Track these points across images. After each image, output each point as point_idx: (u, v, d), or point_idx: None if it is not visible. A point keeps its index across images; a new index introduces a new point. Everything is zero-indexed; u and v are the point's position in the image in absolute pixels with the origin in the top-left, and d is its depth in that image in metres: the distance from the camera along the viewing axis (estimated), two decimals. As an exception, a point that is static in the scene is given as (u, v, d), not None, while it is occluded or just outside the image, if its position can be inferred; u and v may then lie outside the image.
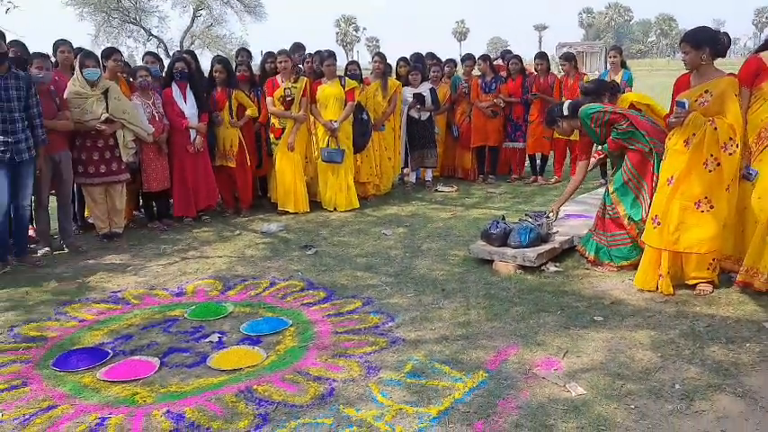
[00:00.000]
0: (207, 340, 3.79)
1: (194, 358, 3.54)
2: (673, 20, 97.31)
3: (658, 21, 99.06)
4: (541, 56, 8.55)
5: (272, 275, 4.95)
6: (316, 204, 7.18)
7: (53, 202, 5.85)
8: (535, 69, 8.40)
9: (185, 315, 4.18)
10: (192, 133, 6.43)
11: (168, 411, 2.96)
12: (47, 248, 5.67)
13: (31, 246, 5.67)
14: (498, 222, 5.13)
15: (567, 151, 8.40)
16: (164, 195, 6.59)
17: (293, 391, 3.14)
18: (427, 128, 8.12)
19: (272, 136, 7.02)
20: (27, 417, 2.96)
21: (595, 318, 3.91)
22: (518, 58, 8.59)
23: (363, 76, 7.81)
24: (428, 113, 8.07)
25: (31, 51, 5.75)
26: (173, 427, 2.83)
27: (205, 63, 7.92)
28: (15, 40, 5.82)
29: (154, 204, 6.62)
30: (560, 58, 8.44)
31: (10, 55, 5.18)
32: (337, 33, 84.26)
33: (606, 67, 9.70)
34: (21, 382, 3.30)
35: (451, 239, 5.83)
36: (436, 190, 8.11)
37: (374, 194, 7.76)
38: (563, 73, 8.22)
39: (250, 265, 5.23)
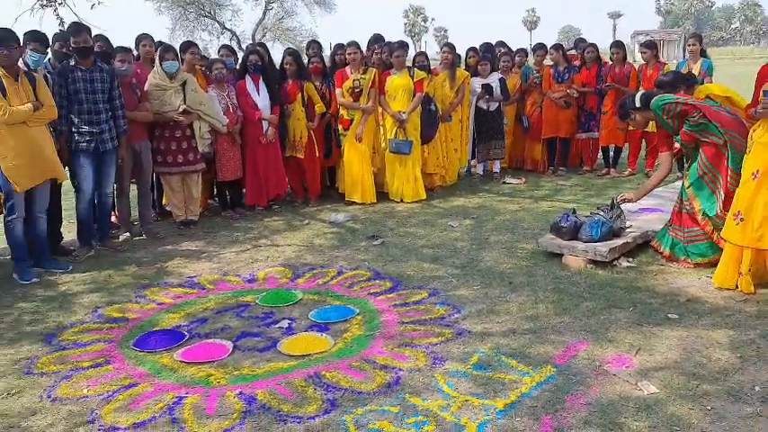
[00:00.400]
0: (277, 326, 3.89)
1: (265, 343, 3.65)
2: (758, 5, 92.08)
3: (742, 7, 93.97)
4: (617, 44, 8.30)
5: (339, 264, 5.03)
6: (383, 195, 7.23)
7: (133, 190, 6.12)
8: (611, 59, 8.16)
9: (257, 301, 4.30)
10: (265, 125, 6.58)
11: (241, 393, 3.07)
12: (127, 234, 5.94)
13: (113, 231, 5.94)
14: (568, 215, 5.03)
15: (643, 143, 8.13)
16: (236, 185, 6.78)
17: (360, 378, 3.19)
18: (495, 119, 8.03)
19: (340, 127, 7.10)
20: (110, 393, 3.12)
21: (670, 315, 3.79)
22: (594, 46, 8.33)
23: (431, 67, 7.78)
24: (497, 104, 7.98)
25: (114, 45, 6.02)
26: (245, 408, 2.93)
27: (276, 55, 8.08)
28: (100, 35, 6.12)
29: (227, 193, 6.83)
30: (641, 45, 8.15)
31: (95, 49, 5.44)
32: (405, 24, 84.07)
33: (684, 56, 9.30)
34: (104, 360, 3.49)
35: (519, 232, 5.75)
36: (504, 182, 8.02)
37: (440, 186, 7.73)
38: (642, 62, 7.95)
39: (318, 254, 5.33)
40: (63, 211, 5.67)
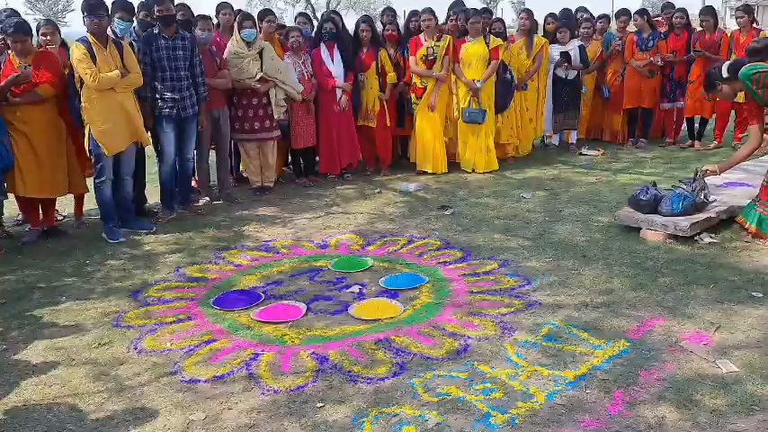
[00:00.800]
0: (348, 290, 3.97)
1: (337, 306, 3.74)
2: None
3: None
4: (708, 11, 7.86)
5: (410, 233, 5.06)
6: (454, 165, 7.18)
7: (212, 156, 6.32)
8: (701, 26, 7.73)
9: (329, 266, 4.39)
10: (338, 93, 6.62)
11: (314, 353, 3.17)
12: (207, 198, 6.16)
13: (193, 195, 6.16)
14: (648, 188, 4.86)
15: (732, 114, 7.71)
16: (310, 153, 6.89)
17: (429, 344, 3.23)
18: (574, 88, 7.79)
19: (412, 96, 7.06)
20: (192, 347, 3.29)
21: (754, 293, 3.63)
22: (684, 11, 7.91)
23: (508, 34, 7.59)
24: (575, 73, 7.73)
25: (195, 13, 6.16)
26: (318, 367, 3.03)
27: (349, 24, 8.07)
28: (182, 3, 6.25)
29: (301, 161, 6.95)
30: (737, 10, 7.69)
31: (177, 17, 5.60)
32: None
33: (782, 22, 8.69)
34: (186, 317, 3.67)
35: (595, 205, 5.61)
36: (581, 153, 7.80)
37: (514, 156, 7.61)
38: (734, 28, 7.49)
39: (389, 223, 5.37)
40: (147, 175, 5.93)
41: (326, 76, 6.56)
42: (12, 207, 5.51)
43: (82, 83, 4.79)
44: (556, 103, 7.81)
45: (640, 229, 4.70)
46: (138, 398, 2.83)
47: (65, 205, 5.77)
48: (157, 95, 5.35)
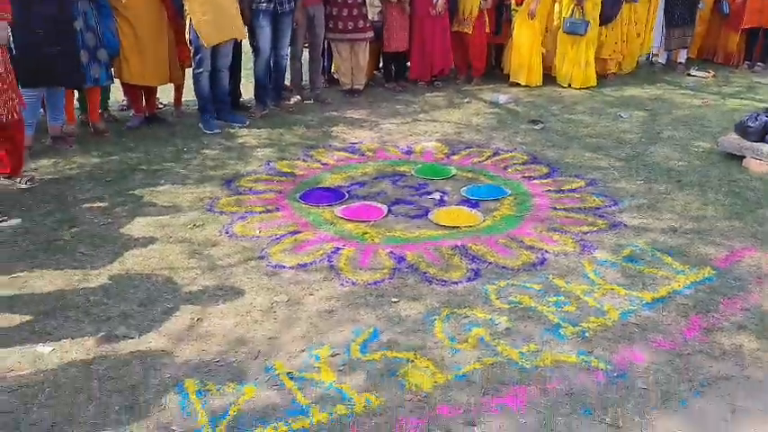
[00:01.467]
0: (430, 197, 4.02)
1: (417, 211, 3.79)
2: None
3: None
4: None
5: (496, 145, 4.99)
6: (549, 79, 6.91)
7: (305, 56, 6.34)
8: None
9: (412, 172, 4.43)
10: (435, -6, 6.41)
11: (392, 252, 3.26)
12: (298, 97, 6.24)
13: (285, 93, 6.26)
14: (759, 115, 4.54)
15: None
16: (402, 58, 6.78)
17: (505, 254, 3.25)
18: (690, 2, 7.19)
19: (512, 2, 6.75)
20: (278, 236, 3.46)
21: None
22: None
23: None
24: (694, -15, 7.13)
25: None
26: (395, 265, 3.13)
27: None
28: None
29: (392, 66, 6.87)
30: None
31: None
32: None
33: None
34: (274, 208, 3.84)
35: (698, 129, 5.31)
36: (689, 74, 7.31)
37: (615, 73, 7.22)
38: None
39: (476, 133, 5.30)
40: (242, 71, 6.04)
41: (424, -25, 6.34)
42: (117, 93, 5.81)
43: (184, -27, 4.86)
44: (669, 17, 7.26)
45: (744, 157, 4.44)
46: (228, 277, 3.04)
47: (165, 94, 6.01)
48: (255, -11, 5.37)
